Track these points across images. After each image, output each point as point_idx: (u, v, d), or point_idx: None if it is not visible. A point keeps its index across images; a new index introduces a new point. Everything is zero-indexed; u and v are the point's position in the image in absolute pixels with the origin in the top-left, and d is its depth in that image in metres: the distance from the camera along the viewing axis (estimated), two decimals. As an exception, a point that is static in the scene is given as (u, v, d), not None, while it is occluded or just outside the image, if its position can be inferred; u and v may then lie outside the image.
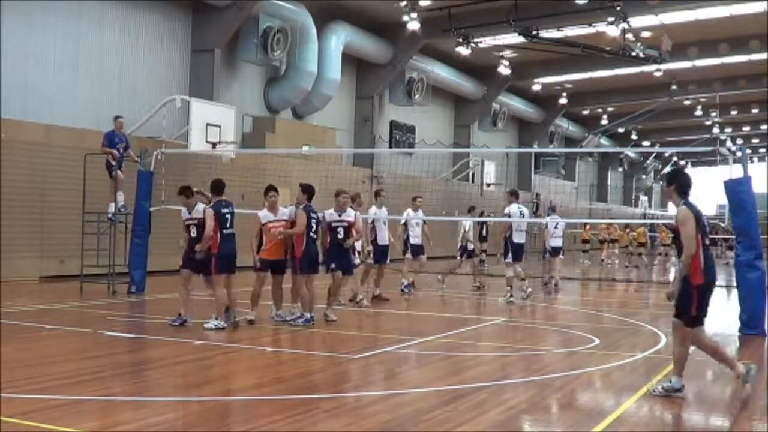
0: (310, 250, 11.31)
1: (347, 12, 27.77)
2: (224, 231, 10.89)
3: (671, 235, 31.26)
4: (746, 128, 53.47)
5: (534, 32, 26.78)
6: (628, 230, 33.68)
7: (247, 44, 23.84)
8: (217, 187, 11.23)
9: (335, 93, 28.08)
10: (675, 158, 67.67)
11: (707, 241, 7.17)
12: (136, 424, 5.99)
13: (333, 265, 12.01)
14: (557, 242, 19.37)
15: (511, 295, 15.41)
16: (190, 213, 11.27)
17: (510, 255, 15.63)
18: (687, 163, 71.69)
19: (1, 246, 16.26)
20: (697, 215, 7.14)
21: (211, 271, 10.93)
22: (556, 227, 19.24)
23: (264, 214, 11.58)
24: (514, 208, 15.69)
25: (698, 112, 45.38)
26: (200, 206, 11.23)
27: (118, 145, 15.84)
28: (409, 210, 16.50)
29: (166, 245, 18.31)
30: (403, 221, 16.44)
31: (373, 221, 14.85)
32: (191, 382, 7.87)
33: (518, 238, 15.78)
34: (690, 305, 7.06)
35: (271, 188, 11.74)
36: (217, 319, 10.77)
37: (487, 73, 35.86)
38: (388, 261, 15.26)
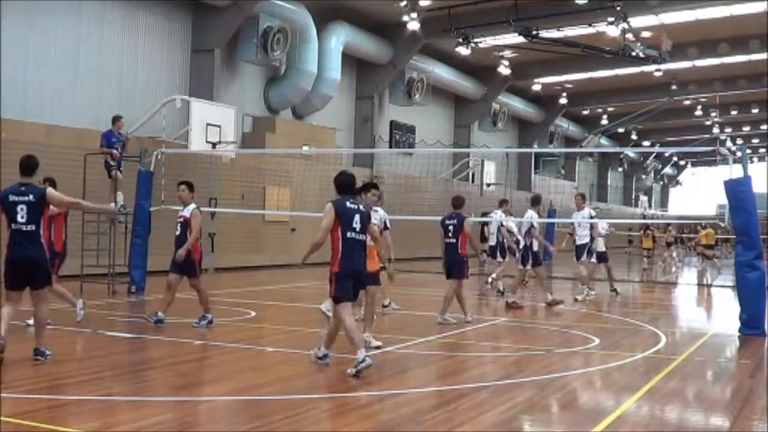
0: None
1: (347, 12, 27.75)
2: (14, 226, 8.56)
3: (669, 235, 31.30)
4: (746, 128, 53.43)
5: (534, 32, 26.76)
6: (648, 232, 32.73)
7: (247, 44, 23.83)
8: (27, 166, 8.72)
9: (335, 93, 28.06)
10: (675, 158, 67.73)
11: (350, 235, 8.09)
12: (136, 424, 5.99)
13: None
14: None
15: (590, 290, 16.28)
16: None
17: (585, 255, 16.40)
18: (687, 163, 71.79)
19: (1, 246, 16.24)
20: (341, 211, 8.09)
21: None
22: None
23: None
24: (586, 212, 16.64)
25: (698, 112, 45.35)
26: None
27: (116, 144, 15.83)
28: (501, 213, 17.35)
29: (166, 245, 18.30)
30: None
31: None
32: (191, 382, 7.87)
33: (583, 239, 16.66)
34: (331, 288, 8.21)
35: (372, 186, 9.95)
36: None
37: (487, 73, 35.83)
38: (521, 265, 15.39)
